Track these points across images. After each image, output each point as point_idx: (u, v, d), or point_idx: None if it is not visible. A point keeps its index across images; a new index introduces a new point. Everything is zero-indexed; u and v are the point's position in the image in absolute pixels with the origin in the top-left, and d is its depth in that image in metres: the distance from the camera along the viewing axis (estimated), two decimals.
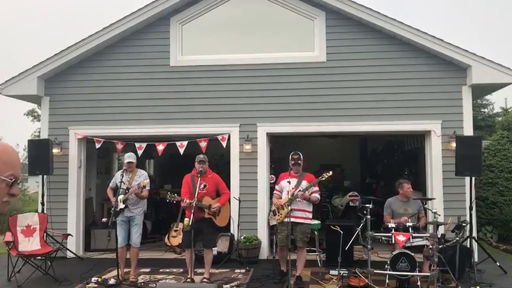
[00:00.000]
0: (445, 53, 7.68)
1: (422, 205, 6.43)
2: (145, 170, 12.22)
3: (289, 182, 5.95)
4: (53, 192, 8.21)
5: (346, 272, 6.25)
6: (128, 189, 6.19)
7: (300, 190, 5.90)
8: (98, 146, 8.36)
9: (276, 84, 8.08)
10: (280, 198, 6.19)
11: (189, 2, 8.32)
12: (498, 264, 6.76)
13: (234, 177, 8.07)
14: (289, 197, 5.93)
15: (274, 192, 6.38)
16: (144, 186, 6.21)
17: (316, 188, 6.09)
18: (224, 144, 8.10)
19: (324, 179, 6.02)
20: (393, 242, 5.79)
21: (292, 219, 5.84)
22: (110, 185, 6.54)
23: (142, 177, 6.35)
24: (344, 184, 11.83)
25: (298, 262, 6.06)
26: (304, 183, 6.00)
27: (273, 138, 8.49)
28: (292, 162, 6.10)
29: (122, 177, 6.25)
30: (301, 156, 6.13)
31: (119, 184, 6.24)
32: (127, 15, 8.20)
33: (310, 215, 6.16)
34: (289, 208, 5.78)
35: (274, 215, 6.20)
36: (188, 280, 5.93)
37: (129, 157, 6.39)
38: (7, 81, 8.28)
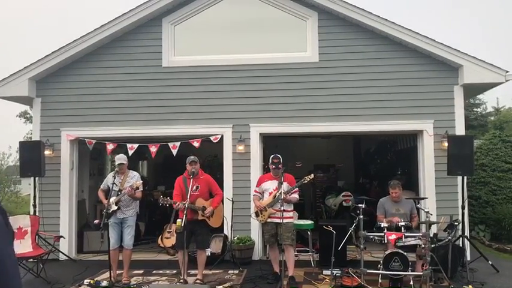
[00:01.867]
0: (437, 52, 7.71)
1: (414, 205, 6.45)
2: (139, 171, 12.23)
3: (281, 183, 5.97)
4: (45, 194, 8.16)
5: (339, 272, 6.26)
6: (120, 190, 6.16)
7: (281, 192, 5.93)
8: (90, 147, 8.31)
9: (268, 84, 8.08)
10: (261, 199, 6.26)
11: (181, 2, 8.30)
12: (490, 263, 6.79)
13: (227, 177, 8.06)
14: (272, 198, 6.05)
15: (254, 194, 6.44)
16: (137, 188, 6.19)
17: (296, 189, 6.18)
18: (217, 139, 8.05)
19: (305, 182, 6.13)
20: (386, 241, 5.80)
21: (276, 220, 5.95)
22: (101, 186, 6.51)
23: (134, 179, 6.32)
24: (338, 184, 11.86)
25: (288, 262, 6.06)
26: (285, 185, 6.06)
27: (266, 138, 8.48)
28: (273, 166, 6.21)
29: (114, 178, 6.22)
30: (281, 160, 6.21)
31: (110, 186, 6.21)
32: (119, 16, 8.17)
33: (291, 214, 6.27)
34: (282, 209, 5.80)
35: (257, 216, 6.25)
36: (181, 281, 5.91)
37: (119, 159, 6.35)
38: None
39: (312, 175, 6.19)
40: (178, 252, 6.14)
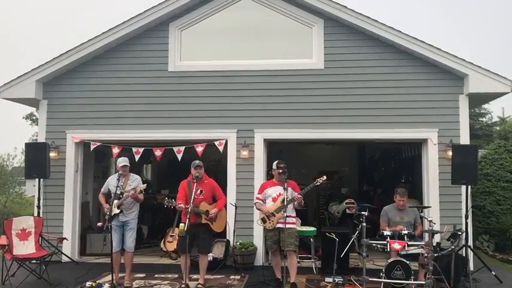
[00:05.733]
0: (442, 61, 7.72)
1: (418, 213, 6.43)
2: (143, 175, 12.28)
3: (286, 189, 5.98)
4: (49, 196, 8.20)
5: (341, 279, 6.25)
6: (122, 194, 6.17)
7: (287, 197, 5.94)
8: (92, 147, 8.32)
9: (273, 90, 8.11)
10: (263, 206, 6.26)
11: (188, 8, 8.36)
12: (493, 273, 6.75)
13: (231, 183, 8.07)
14: (281, 203, 6.04)
15: (256, 201, 6.43)
16: (141, 191, 6.21)
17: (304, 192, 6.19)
18: (221, 149, 8.11)
19: (318, 184, 6.15)
20: (388, 249, 5.79)
21: (280, 225, 5.96)
22: (102, 190, 6.49)
23: (136, 182, 6.34)
24: (341, 191, 11.84)
25: (290, 268, 6.04)
26: (290, 190, 6.08)
27: (270, 144, 8.49)
28: (280, 171, 6.22)
29: (118, 181, 6.23)
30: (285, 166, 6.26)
31: (113, 189, 6.20)
32: (126, 20, 8.23)
33: (294, 220, 6.29)
34: (285, 215, 5.80)
35: (264, 222, 6.23)
36: (182, 286, 5.92)
37: (124, 161, 6.38)
38: (5, 84, 8.31)
39: (325, 176, 6.21)
40: (181, 256, 6.15)
